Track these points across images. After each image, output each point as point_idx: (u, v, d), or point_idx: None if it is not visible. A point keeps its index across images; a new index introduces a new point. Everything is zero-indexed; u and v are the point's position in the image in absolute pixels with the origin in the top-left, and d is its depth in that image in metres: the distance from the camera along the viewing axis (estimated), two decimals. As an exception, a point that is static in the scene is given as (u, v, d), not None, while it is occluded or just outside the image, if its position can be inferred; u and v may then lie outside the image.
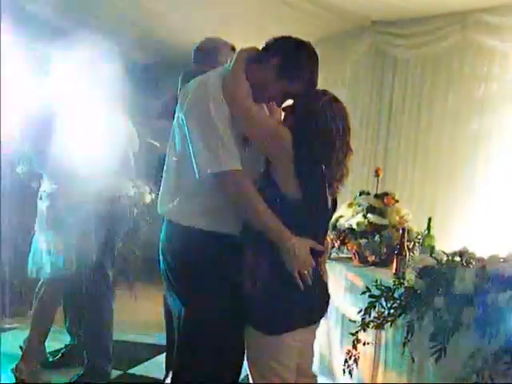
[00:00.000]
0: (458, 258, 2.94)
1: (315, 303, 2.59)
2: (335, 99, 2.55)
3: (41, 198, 4.00)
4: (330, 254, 3.85)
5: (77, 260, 3.96)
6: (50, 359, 4.36)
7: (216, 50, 3.44)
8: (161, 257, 2.69)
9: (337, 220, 3.83)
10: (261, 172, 2.55)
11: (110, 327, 4.12)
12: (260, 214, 2.45)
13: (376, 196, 3.90)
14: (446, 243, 3.56)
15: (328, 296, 2.72)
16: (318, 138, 2.46)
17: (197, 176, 2.48)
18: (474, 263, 2.88)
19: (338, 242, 3.81)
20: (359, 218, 3.75)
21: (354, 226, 3.73)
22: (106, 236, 3.98)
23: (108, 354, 4.08)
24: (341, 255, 3.88)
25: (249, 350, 2.60)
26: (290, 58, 2.51)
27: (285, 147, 2.43)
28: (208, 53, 3.45)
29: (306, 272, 2.44)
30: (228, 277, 2.54)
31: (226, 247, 2.54)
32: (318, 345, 3.85)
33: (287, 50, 2.54)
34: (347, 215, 3.83)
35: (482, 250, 3.01)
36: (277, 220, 2.43)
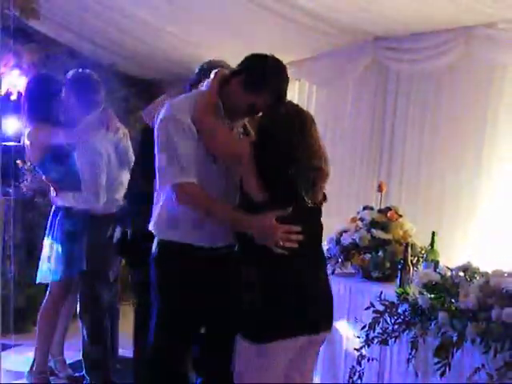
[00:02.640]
0: (461, 273, 2.94)
1: (311, 313, 2.55)
2: (299, 110, 2.67)
3: (55, 212, 4.12)
4: (334, 269, 3.84)
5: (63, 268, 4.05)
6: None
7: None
8: None
9: (340, 235, 3.82)
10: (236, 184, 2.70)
11: (107, 342, 4.10)
12: (218, 212, 2.66)
13: (379, 211, 3.89)
14: (450, 258, 3.54)
15: (330, 308, 2.67)
16: (278, 149, 2.54)
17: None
18: (477, 278, 2.88)
19: (342, 256, 3.80)
20: (363, 232, 3.74)
21: (358, 241, 3.72)
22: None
23: (106, 370, 4.06)
24: (344, 270, 3.86)
25: (238, 362, 2.61)
26: (253, 72, 2.66)
27: (243, 159, 2.57)
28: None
29: (282, 242, 2.48)
30: (201, 289, 2.70)
31: (200, 259, 2.70)
32: (322, 360, 3.84)
33: (252, 64, 2.71)
34: (351, 230, 3.82)
35: (485, 264, 3.00)
36: (234, 211, 2.62)
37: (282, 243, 2.49)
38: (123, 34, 5.92)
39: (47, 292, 4.26)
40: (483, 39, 4.09)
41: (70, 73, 4.18)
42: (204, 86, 2.82)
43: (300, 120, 2.59)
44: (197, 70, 3.16)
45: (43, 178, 4.26)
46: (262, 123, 2.65)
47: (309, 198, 2.56)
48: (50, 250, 4.13)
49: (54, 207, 4.21)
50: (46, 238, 4.20)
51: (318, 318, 2.62)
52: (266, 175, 2.52)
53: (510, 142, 4.12)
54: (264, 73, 2.64)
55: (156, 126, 2.73)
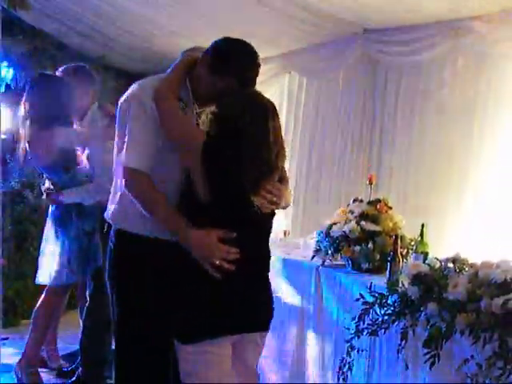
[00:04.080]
0: (450, 265, 2.95)
1: (241, 312, 2.51)
2: (256, 98, 2.55)
3: (59, 211, 4.07)
4: (324, 261, 3.85)
5: (82, 268, 4.03)
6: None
7: None
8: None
9: (330, 227, 3.83)
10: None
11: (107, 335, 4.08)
12: (159, 212, 2.55)
13: (369, 203, 3.90)
14: (439, 250, 3.56)
15: (267, 305, 2.63)
16: (222, 138, 2.45)
17: None
18: (466, 269, 2.89)
19: (332, 249, 3.80)
20: (352, 225, 3.75)
21: (348, 233, 3.72)
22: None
23: (104, 362, 4.05)
24: (334, 262, 3.87)
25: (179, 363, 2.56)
26: (219, 55, 2.60)
27: (194, 147, 2.43)
28: None
29: (218, 262, 2.41)
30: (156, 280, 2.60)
31: (159, 251, 2.60)
32: (312, 353, 3.85)
33: (219, 47, 2.63)
34: (340, 222, 3.83)
35: (474, 256, 3.02)
36: (177, 217, 2.51)
37: (218, 263, 2.42)
38: (112, 27, 5.89)
39: (44, 291, 4.18)
40: (471, 32, 4.11)
41: (65, 67, 4.14)
42: (170, 68, 2.73)
43: (254, 109, 2.49)
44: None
45: (47, 179, 4.16)
46: (213, 110, 2.53)
47: (254, 198, 2.45)
48: (54, 251, 4.06)
49: (53, 207, 4.15)
50: (46, 239, 4.15)
51: (255, 316, 2.57)
52: (211, 170, 2.42)
53: (499, 132, 4.15)
54: (229, 55, 2.58)
55: (119, 105, 2.68)
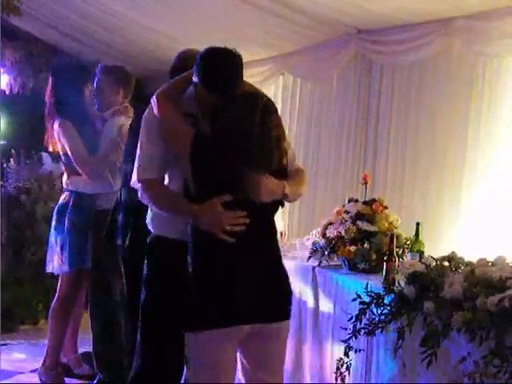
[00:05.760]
0: (446, 263, 2.95)
1: (246, 302, 2.53)
2: (251, 95, 2.61)
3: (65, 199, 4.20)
4: (321, 261, 3.85)
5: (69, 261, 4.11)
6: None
7: None
8: None
9: (326, 227, 3.83)
10: None
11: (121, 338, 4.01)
12: (170, 207, 2.69)
13: (364, 203, 3.90)
14: (435, 248, 3.56)
15: (276, 295, 2.65)
16: (215, 138, 2.52)
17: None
18: (462, 268, 2.89)
19: (328, 249, 3.81)
20: (348, 225, 3.75)
21: (344, 234, 3.73)
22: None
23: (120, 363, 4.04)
24: (331, 263, 3.87)
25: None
26: (197, 62, 2.60)
27: (180, 145, 2.55)
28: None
29: (229, 227, 2.50)
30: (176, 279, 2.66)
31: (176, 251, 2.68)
32: (310, 354, 3.85)
33: (196, 56, 2.65)
34: (336, 223, 3.83)
35: (470, 254, 3.02)
36: (182, 202, 2.61)
37: (229, 228, 2.50)
38: (108, 32, 5.90)
39: (57, 289, 4.28)
40: (464, 30, 4.12)
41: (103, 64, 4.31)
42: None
43: (241, 103, 2.56)
44: (176, 60, 3.10)
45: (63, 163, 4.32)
46: (201, 116, 2.65)
47: (240, 189, 2.52)
48: (61, 239, 4.15)
49: (63, 196, 4.26)
50: (54, 228, 4.24)
51: (249, 309, 2.55)
52: (195, 159, 2.52)
53: (493, 131, 4.16)
54: (198, 59, 2.59)
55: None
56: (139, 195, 2.75)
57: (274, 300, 2.62)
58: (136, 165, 2.74)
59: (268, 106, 2.60)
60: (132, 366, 2.92)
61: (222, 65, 2.58)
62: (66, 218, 4.15)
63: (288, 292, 2.71)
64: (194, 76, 2.61)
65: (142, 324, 2.85)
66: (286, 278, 2.70)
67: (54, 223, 4.25)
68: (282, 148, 2.63)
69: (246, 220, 2.52)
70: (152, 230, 2.87)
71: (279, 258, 2.69)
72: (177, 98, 2.71)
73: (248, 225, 2.53)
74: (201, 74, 2.57)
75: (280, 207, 2.70)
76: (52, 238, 4.24)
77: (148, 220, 2.90)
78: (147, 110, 2.77)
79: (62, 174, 4.44)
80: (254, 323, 2.56)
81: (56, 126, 4.15)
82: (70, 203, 4.17)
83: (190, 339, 2.57)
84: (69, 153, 4.11)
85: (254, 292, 2.54)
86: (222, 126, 2.53)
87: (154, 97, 2.70)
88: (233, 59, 2.60)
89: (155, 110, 2.67)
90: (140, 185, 2.71)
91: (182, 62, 2.94)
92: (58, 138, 4.17)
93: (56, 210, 4.28)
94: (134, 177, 2.75)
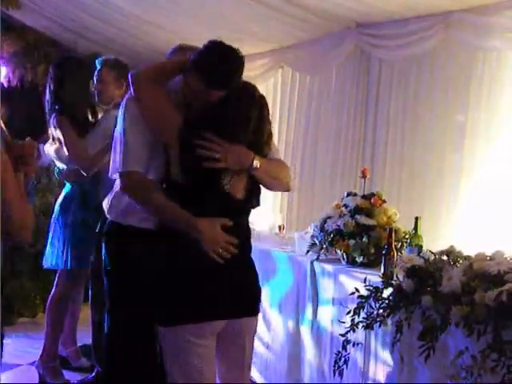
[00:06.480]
0: (445, 257, 2.96)
1: (222, 297, 2.55)
2: (244, 89, 2.60)
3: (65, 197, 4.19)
4: (319, 255, 3.85)
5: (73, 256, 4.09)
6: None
7: None
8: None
9: (324, 221, 3.83)
10: None
11: None
12: (163, 211, 2.59)
13: (363, 197, 3.90)
14: (434, 242, 3.57)
15: (251, 287, 2.68)
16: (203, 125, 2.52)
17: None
18: (460, 262, 2.90)
19: (327, 243, 3.81)
20: (347, 219, 3.75)
21: (342, 227, 3.73)
22: None
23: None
24: (329, 256, 3.87)
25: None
26: (199, 54, 2.58)
27: (168, 132, 2.53)
28: None
29: (221, 250, 2.50)
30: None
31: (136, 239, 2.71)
32: (308, 347, 3.86)
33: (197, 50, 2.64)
34: (335, 216, 3.83)
35: (468, 248, 3.03)
36: (179, 210, 2.53)
37: (221, 251, 2.51)
38: (105, 24, 5.89)
39: (55, 281, 4.26)
40: (463, 24, 4.12)
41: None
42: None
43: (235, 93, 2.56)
44: (171, 51, 3.09)
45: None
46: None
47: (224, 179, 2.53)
48: (64, 235, 4.13)
49: (61, 196, 4.25)
50: (55, 222, 4.21)
51: (220, 305, 2.56)
52: (188, 149, 2.50)
53: (492, 125, 4.16)
54: (197, 53, 2.59)
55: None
56: (120, 187, 2.68)
57: (244, 296, 2.64)
58: (117, 154, 2.63)
59: (261, 99, 2.63)
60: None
61: (223, 62, 2.56)
62: (71, 214, 4.12)
63: (258, 288, 2.73)
64: (189, 67, 2.58)
65: (108, 313, 2.88)
66: (256, 275, 2.72)
67: (55, 217, 4.22)
68: (271, 142, 2.70)
69: (235, 250, 2.54)
70: (110, 217, 2.84)
71: (249, 257, 2.72)
72: (164, 83, 2.66)
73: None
74: (202, 66, 2.55)
75: (256, 203, 2.70)
76: (52, 233, 4.21)
77: (105, 205, 2.86)
78: (128, 95, 2.71)
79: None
80: (225, 319, 2.58)
81: (52, 120, 4.13)
82: (76, 200, 4.14)
83: (162, 334, 2.57)
84: (64, 149, 4.08)
85: (225, 288, 2.56)
86: (218, 115, 2.54)
87: (134, 78, 2.64)
88: (236, 59, 2.58)
89: (139, 94, 2.62)
90: (121, 178, 2.65)
91: (176, 54, 2.92)
92: (54, 133, 4.15)
93: (59, 204, 4.24)
94: (115, 166, 2.66)
